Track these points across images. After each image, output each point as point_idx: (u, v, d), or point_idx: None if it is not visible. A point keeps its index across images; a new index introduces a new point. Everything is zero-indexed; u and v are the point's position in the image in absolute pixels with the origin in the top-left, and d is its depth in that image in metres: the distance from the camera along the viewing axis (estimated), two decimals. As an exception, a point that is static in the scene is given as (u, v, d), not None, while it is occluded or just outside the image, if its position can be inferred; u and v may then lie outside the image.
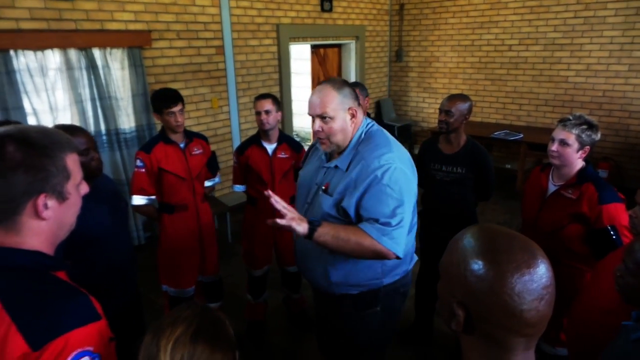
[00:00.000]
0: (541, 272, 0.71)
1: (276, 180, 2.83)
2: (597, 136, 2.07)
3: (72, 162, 1.01)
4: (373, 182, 1.59)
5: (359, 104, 1.73)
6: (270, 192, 1.58)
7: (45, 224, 0.98)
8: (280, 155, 2.83)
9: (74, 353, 0.88)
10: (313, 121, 1.70)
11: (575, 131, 2.04)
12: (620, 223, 1.95)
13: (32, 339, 0.86)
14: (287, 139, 2.92)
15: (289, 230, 1.56)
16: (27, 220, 0.95)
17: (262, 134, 2.82)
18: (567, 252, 2.11)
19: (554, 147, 2.10)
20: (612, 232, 1.93)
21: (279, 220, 1.53)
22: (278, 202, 1.57)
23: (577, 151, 2.06)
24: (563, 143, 2.07)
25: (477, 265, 0.72)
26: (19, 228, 0.95)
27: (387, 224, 1.57)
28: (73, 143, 1.03)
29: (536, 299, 0.70)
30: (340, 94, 1.66)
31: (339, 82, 1.70)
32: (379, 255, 1.61)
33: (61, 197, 0.99)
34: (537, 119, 6.26)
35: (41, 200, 0.95)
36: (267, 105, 2.71)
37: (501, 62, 6.38)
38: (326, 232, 1.56)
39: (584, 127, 2.04)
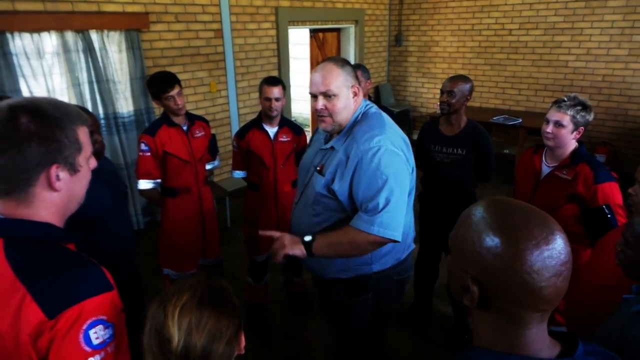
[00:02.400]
0: (559, 248, 0.70)
1: (278, 163, 2.82)
2: (591, 117, 2.08)
3: (83, 134, 1.01)
4: (362, 164, 1.56)
5: (359, 84, 1.71)
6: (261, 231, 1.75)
7: (57, 196, 0.98)
8: (282, 139, 2.81)
9: (89, 321, 0.89)
10: (315, 99, 1.66)
11: (570, 112, 2.04)
12: (614, 202, 1.97)
13: (47, 308, 0.87)
14: (287, 123, 2.90)
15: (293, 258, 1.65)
16: (40, 191, 0.96)
17: (265, 118, 2.79)
18: None
19: (549, 128, 2.10)
20: (607, 211, 1.95)
21: (278, 257, 1.65)
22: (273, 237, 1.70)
23: (572, 132, 2.07)
24: (558, 124, 2.07)
25: (494, 243, 0.71)
26: (31, 200, 0.96)
27: (374, 210, 1.54)
28: (84, 116, 1.03)
29: (554, 275, 0.69)
30: (344, 71, 1.63)
31: (342, 60, 1.67)
32: (377, 245, 1.60)
33: (73, 169, 0.99)
34: (536, 104, 6.24)
35: (54, 171, 0.95)
36: (278, 92, 2.67)
37: (501, 47, 6.34)
38: (321, 246, 1.61)
39: (579, 108, 2.04)
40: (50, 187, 0.96)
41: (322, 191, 1.67)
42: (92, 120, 1.88)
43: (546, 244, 0.69)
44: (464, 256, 0.76)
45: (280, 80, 2.71)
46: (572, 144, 2.12)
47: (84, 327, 0.88)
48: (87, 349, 0.89)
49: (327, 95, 1.62)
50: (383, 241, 1.57)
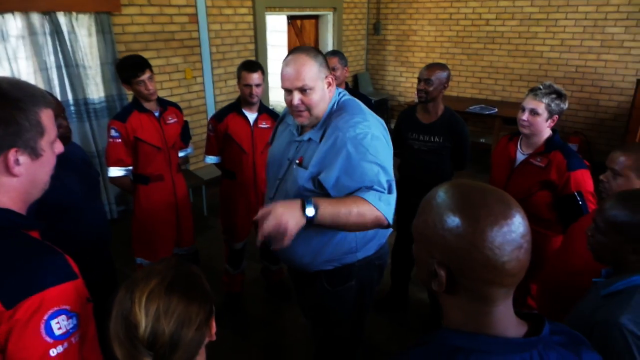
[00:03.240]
0: (518, 221, 0.72)
1: (257, 150, 2.77)
2: (565, 105, 2.11)
3: (47, 117, 0.96)
4: (352, 152, 1.52)
5: (330, 71, 1.66)
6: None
7: (17, 181, 0.94)
8: (262, 125, 2.77)
9: (50, 311, 0.86)
10: (289, 94, 1.59)
11: (545, 100, 2.07)
12: (586, 189, 2.01)
13: (4, 297, 0.83)
14: (266, 109, 2.85)
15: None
16: None
17: (245, 103, 2.73)
18: (535, 219, 2.15)
19: (525, 116, 2.12)
20: (578, 198, 1.99)
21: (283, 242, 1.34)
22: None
23: (547, 120, 2.10)
24: (533, 112, 2.09)
25: (455, 223, 0.72)
26: None
27: (379, 190, 1.51)
28: (48, 98, 0.98)
29: (516, 248, 0.70)
30: (317, 62, 1.57)
31: (313, 50, 1.60)
32: (376, 224, 1.52)
33: (34, 153, 0.95)
34: (511, 93, 6.33)
35: (12, 155, 0.90)
36: (258, 78, 2.61)
37: (478, 37, 6.39)
38: (325, 216, 1.39)
39: (554, 96, 2.07)
40: (9, 171, 0.92)
41: (306, 184, 1.62)
42: (55, 105, 1.80)
43: (504, 218, 0.71)
44: (428, 241, 0.76)
45: (259, 64, 2.65)
46: (546, 132, 2.15)
47: (45, 317, 0.85)
48: (49, 339, 0.85)
49: (303, 90, 1.56)
50: (382, 221, 1.50)
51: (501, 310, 0.75)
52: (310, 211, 1.38)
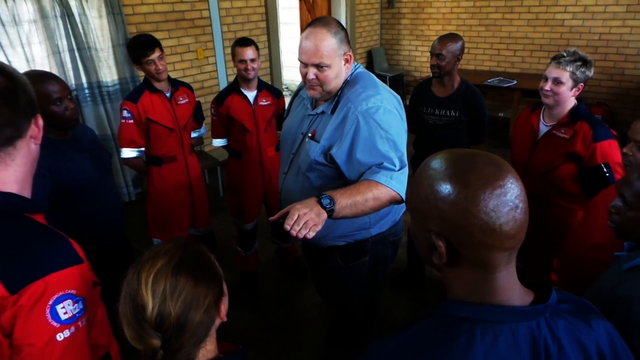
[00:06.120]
0: (510, 181, 0.70)
1: (260, 129, 2.76)
2: (591, 72, 2.00)
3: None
4: (363, 126, 1.51)
5: (350, 47, 1.62)
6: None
7: (35, 148, 0.95)
8: (262, 103, 2.76)
9: (55, 296, 0.85)
10: (304, 67, 1.56)
11: (569, 68, 1.97)
12: (613, 160, 1.92)
13: (8, 282, 0.82)
14: (266, 86, 2.84)
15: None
16: (28, 143, 0.92)
17: (243, 81, 2.72)
18: (558, 193, 2.10)
19: (547, 86, 2.03)
20: (605, 170, 1.91)
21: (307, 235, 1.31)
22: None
23: (571, 89, 2.00)
24: (557, 82, 2.00)
25: (447, 191, 0.71)
26: (13, 156, 0.90)
27: (390, 168, 1.50)
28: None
29: (511, 209, 0.69)
30: (337, 39, 1.52)
31: (335, 25, 1.55)
32: (392, 203, 1.52)
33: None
34: (531, 65, 6.12)
35: (39, 119, 0.93)
36: (252, 53, 2.59)
37: (496, 6, 6.16)
38: (343, 207, 1.39)
39: (579, 63, 1.96)
40: (33, 137, 0.93)
41: (318, 158, 1.61)
42: (60, 87, 1.78)
43: (495, 180, 0.69)
44: (423, 215, 0.75)
45: (252, 40, 2.64)
46: (571, 102, 2.05)
47: (50, 302, 0.84)
48: (55, 324, 0.85)
49: (319, 66, 1.52)
50: (398, 199, 1.51)
51: (504, 276, 0.73)
52: (327, 202, 1.36)
